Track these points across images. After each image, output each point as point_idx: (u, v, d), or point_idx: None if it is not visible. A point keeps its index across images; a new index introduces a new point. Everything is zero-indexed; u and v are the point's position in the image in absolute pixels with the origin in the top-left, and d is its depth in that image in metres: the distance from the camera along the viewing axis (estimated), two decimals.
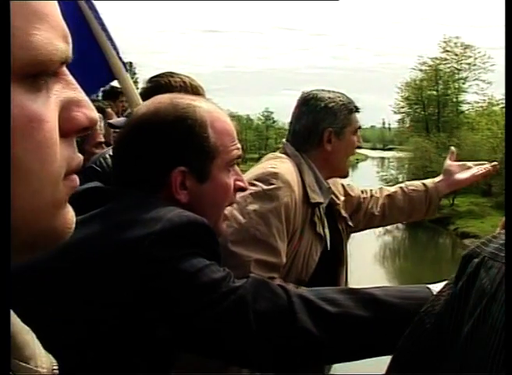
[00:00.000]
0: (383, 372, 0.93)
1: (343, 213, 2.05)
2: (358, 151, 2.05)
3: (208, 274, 0.94)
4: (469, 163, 2.20)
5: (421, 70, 36.33)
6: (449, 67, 35.72)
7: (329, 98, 1.93)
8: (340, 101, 1.94)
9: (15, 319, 0.43)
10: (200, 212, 1.02)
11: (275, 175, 1.74)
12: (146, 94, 2.07)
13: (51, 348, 0.47)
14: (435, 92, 35.74)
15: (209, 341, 0.97)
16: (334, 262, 1.98)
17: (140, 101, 2.35)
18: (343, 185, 2.15)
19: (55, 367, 0.46)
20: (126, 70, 2.85)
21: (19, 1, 0.37)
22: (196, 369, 1.43)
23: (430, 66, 35.85)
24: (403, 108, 36.99)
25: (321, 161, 1.91)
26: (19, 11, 0.37)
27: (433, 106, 35.62)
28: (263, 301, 0.97)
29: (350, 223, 2.07)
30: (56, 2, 0.41)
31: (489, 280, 0.75)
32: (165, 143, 1.06)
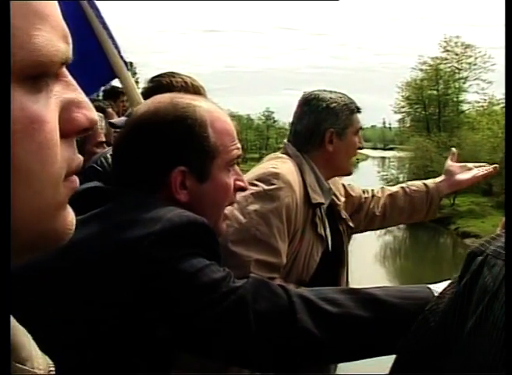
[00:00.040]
0: (386, 371, 0.93)
1: (344, 214, 2.05)
2: (359, 150, 2.05)
3: (208, 274, 0.94)
4: (470, 164, 2.20)
5: (421, 70, 36.41)
6: (449, 67, 35.74)
7: (331, 98, 1.93)
8: (342, 101, 1.93)
9: (11, 320, 0.43)
10: (200, 212, 1.02)
11: (276, 175, 1.74)
12: (147, 93, 2.07)
13: (47, 350, 0.47)
14: (435, 92, 35.76)
15: (209, 341, 0.97)
16: (335, 263, 1.98)
17: (142, 99, 2.36)
18: (343, 185, 2.15)
19: (51, 369, 0.46)
20: (128, 69, 2.85)
21: (20, 1, 0.37)
22: (196, 369, 1.43)
23: (430, 65, 35.88)
24: (403, 107, 37.03)
25: (323, 161, 1.91)
26: (20, 11, 0.36)
27: (434, 106, 35.64)
28: (263, 301, 0.97)
29: (351, 224, 2.07)
30: (56, 2, 0.41)
31: (492, 278, 0.75)
32: (164, 143, 1.06)
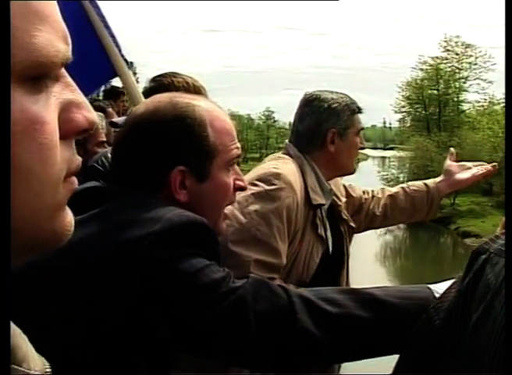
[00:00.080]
0: (390, 371, 0.93)
1: (345, 215, 2.05)
2: (360, 150, 2.05)
3: (207, 274, 0.94)
4: (469, 163, 2.20)
5: (421, 69, 36.36)
6: (449, 66, 35.70)
7: (332, 98, 1.93)
8: (343, 101, 1.93)
9: None
10: (199, 211, 1.02)
11: (277, 175, 1.74)
12: (148, 93, 2.07)
13: (44, 351, 0.47)
14: (435, 91, 35.72)
15: (209, 341, 0.97)
16: (335, 264, 1.98)
17: (142, 98, 2.36)
18: (344, 186, 2.14)
19: (47, 370, 0.46)
20: (128, 68, 2.86)
21: (20, 0, 0.36)
22: (196, 369, 1.43)
23: (431, 65, 35.84)
24: (403, 107, 36.99)
25: (325, 162, 1.90)
26: (20, 11, 0.36)
27: (434, 105, 35.61)
28: (263, 301, 0.97)
29: (352, 224, 2.06)
30: (55, 3, 0.40)
31: (494, 276, 0.75)
32: (164, 142, 1.06)
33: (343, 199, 2.07)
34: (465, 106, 35.72)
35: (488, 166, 2.16)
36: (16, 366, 0.42)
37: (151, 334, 0.93)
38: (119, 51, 2.83)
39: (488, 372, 0.71)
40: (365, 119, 2.08)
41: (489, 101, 31.96)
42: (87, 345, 0.90)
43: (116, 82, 3.18)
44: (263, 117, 60.72)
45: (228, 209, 1.16)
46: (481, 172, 2.14)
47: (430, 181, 2.24)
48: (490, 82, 33.77)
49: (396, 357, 0.95)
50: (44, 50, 0.37)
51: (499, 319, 0.71)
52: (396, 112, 37.51)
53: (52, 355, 0.48)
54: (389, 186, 2.40)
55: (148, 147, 1.06)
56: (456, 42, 35.48)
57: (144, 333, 0.93)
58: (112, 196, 1.02)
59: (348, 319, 0.99)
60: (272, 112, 60.51)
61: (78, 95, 0.42)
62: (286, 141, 2.01)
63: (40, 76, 0.38)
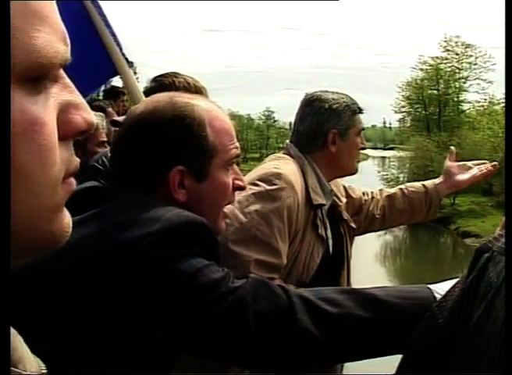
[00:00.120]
0: (392, 371, 0.93)
1: (346, 215, 2.05)
2: (361, 151, 2.05)
3: (207, 274, 0.94)
4: (469, 163, 2.19)
5: (421, 69, 36.37)
6: (449, 66, 35.71)
7: (333, 99, 1.93)
8: (344, 102, 1.93)
9: None
10: (198, 211, 1.02)
11: (278, 175, 1.74)
12: (149, 93, 2.06)
13: (41, 351, 0.47)
14: (435, 91, 35.73)
15: (209, 342, 0.97)
16: (335, 265, 1.97)
17: (143, 97, 2.36)
18: (344, 187, 2.14)
19: (43, 371, 0.46)
20: (129, 67, 2.86)
21: (19, 0, 0.36)
22: (196, 369, 1.43)
23: (431, 65, 35.84)
24: (404, 107, 37.00)
25: (326, 162, 1.90)
26: (19, 11, 0.36)
27: (434, 105, 35.61)
28: (263, 301, 0.97)
29: (353, 225, 2.06)
30: (54, 3, 0.40)
31: (496, 274, 0.75)
32: (163, 142, 1.05)
33: (344, 200, 2.07)
34: (465, 106, 35.74)
35: (488, 166, 2.16)
36: (12, 368, 0.42)
37: (151, 334, 0.93)
38: (120, 50, 2.83)
39: (488, 372, 0.71)
40: (365, 119, 2.08)
41: (489, 101, 31.98)
42: (87, 345, 0.90)
43: (116, 82, 3.19)
44: (263, 117, 60.76)
45: (228, 209, 1.16)
46: (481, 172, 2.14)
47: (429, 182, 2.24)
48: (490, 82, 33.82)
49: (398, 357, 0.95)
50: (43, 51, 0.37)
51: (499, 318, 0.71)
52: (396, 112, 37.56)
53: (52, 355, 0.48)
54: (389, 186, 2.40)
55: (147, 146, 1.06)
56: (456, 42, 35.51)
57: (144, 333, 0.93)
58: (111, 196, 1.02)
59: (348, 319, 0.99)
60: (272, 112, 60.58)
61: (76, 96, 0.42)
62: (287, 141, 2.01)
63: (39, 77, 0.38)
